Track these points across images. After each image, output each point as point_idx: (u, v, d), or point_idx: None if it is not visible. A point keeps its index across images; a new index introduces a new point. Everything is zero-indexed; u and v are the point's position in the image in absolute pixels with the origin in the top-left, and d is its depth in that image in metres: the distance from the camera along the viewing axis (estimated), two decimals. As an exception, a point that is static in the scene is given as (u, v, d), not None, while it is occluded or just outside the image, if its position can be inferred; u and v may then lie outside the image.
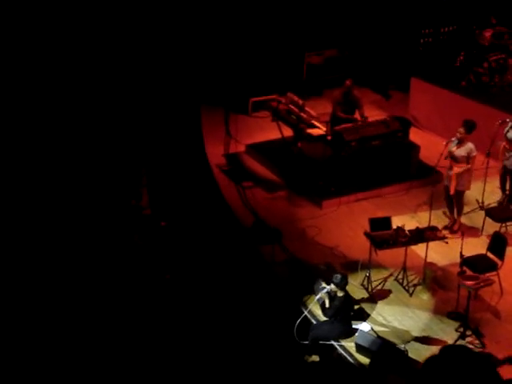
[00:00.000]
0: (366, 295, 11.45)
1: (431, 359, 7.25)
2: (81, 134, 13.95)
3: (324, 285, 10.43)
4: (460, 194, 12.61)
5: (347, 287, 10.65)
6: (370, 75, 17.00)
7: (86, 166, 13.49)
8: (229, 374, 9.94)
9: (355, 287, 11.48)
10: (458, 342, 10.47)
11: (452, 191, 12.48)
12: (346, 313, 10.52)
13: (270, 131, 14.88)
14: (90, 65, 14.29)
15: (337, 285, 10.31)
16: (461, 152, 12.31)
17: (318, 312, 10.78)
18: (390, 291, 11.56)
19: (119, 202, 12.88)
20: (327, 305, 10.42)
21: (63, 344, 10.30)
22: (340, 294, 10.37)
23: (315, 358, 10.38)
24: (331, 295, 10.40)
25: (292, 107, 14.39)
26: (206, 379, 9.90)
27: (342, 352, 10.40)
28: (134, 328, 10.60)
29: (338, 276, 10.39)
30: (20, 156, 12.54)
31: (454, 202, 12.73)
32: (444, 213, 13.03)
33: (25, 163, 12.58)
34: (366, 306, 11.23)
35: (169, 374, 9.98)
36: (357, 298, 11.31)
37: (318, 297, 10.44)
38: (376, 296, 11.43)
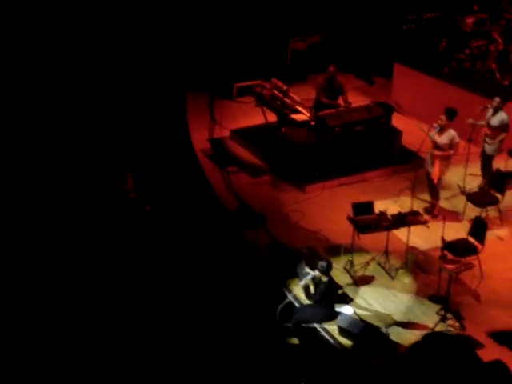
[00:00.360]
0: (348, 279, 11.56)
1: (414, 346, 7.39)
2: (64, 119, 13.95)
3: (309, 270, 10.53)
4: (438, 180, 12.75)
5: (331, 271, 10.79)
6: (353, 61, 17.05)
7: (70, 151, 13.50)
8: (211, 355, 10.00)
9: (338, 271, 11.56)
10: (439, 325, 10.63)
11: (435, 180, 12.62)
12: (330, 297, 10.64)
13: (255, 116, 14.91)
14: (74, 50, 14.27)
15: (322, 271, 10.40)
16: (443, 139, 12.42)
17: (302, 295, 10.87)
18: (372, 275, 11.67)
19: (104, 186, 12.86)
20: (312, 290, 10.51)
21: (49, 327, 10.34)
22: (324, 279, 10.48)
23: (297, 340, 10.46)
24: (316, 281, 10.51)
25: (276, 93, 14.44)
26: (190, 359, 9.96)
27: (325, 335, 10.51)
28: (121, 310, 10.62)
29: (323, 262, 10.48)
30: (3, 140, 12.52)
31: (435, 187, 12.86)
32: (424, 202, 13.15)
33: (8, 147, 12.56)
34: (348, 290, 11.35)
35: (153, 354, 10.03)
36: (340, 281, 11.40)
37: (302, 283, 10.53)
38: (358, 280, 11.54)
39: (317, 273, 10.42)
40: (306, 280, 10.46)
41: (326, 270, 10.45)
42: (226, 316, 10.62)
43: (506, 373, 7.70)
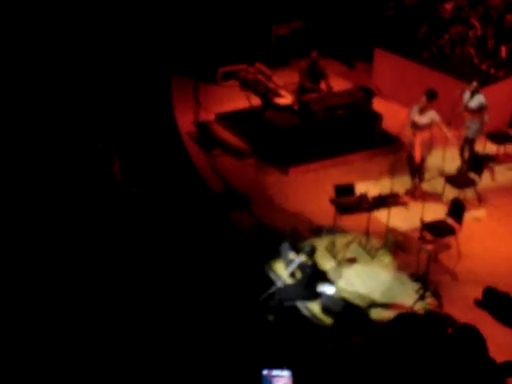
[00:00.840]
0: (330, 259, 11.72)
1: (386, 324, 7.54)
2: (51, 104, 13.94)
3: (294, 257, 10.74)
4: (422, 161, 12.89)
5: (313, 251, 11.07)
6: (335, 46, 17.08)
7: (57, 135, 13.53)
8: (193, 333, 10.14)
9: (320, 251, 11.69)
10: (418, 303, 10.83)
11: (418, 159, 12.77)
12: (314, 279, 10.88)
13: (239, 100, 14.92)
14: (60, 34, 14.26)
15: (307, 255, 10.65)
16: (424, 120, 12.57)
17: (284, 275, 11.05)
18: (353, 255, 11.84)
19: (91, 168, 12.90)
20: (298, 275, 10.76)
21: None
22: (309, 262, 10.72)
23: (273, 317, 10.62)
24: (301, 266, 10.75)
25: (260, 77, 14.49)
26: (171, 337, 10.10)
27: (307, 313, 10.70)
28: (108, 291, 10.75)
29: (308, 247, 10.73)
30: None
31: (417, 169, 13.03)
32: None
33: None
34: (330, 270, 11.49)
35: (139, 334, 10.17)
36: (322, 261, 11.56)
37: (289, 270, 10.78)
38: (340, 260, 11.72)
39: (302, 257, 10.64)
40: (293, 268, 10.70)
41: (311, 254, 10.69)
42: (211, 295, 10.74)
43: (476, 335, 7.92)
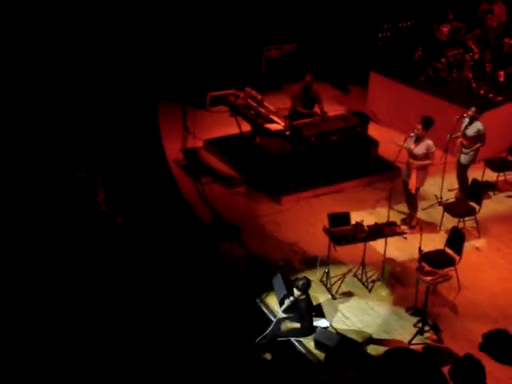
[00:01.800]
0: (325, 291, 11.49)
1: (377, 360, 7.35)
2: (35, 130, 13.87)
3: (289, 297, 10.48)
4: (416, 190, 12.69)
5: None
6: (328, 70, 17.06)
7: (40, 163, 13.41)
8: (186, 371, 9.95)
9: (314, 283, 11.47)
10: (417, 338, 10.58)
11: (413, 190, 12.54)
12: (309, 313, 10.58)
13: (229, 126, 14.80)
14: (46, 60, 14.21)
15: (300, 290, 10.42)
16: (420, 149, 12.38)
17: (276, 308, 10.83)
18: (349, 287, 11.61)
19: (75, 198, 12.72)
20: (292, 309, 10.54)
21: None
22: (302, 297, 10.47)
23: (270, 355, 10.37)
24: (295, 301, 10.49)
25: (250, 102, 14.38)
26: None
27: (301, 349, 10.43)
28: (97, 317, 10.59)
29: (302, 281, 10.48)
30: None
31: (410, 198, 12.80)
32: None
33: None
34: (324, 303, 11.28)
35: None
36: (316, 294, 11.35)
37: (283, 308, 10.53)
38: (335, 292, 11.47)
39: (296, 293, 10.42)
40: (287, 304, 10.47)
41: (305, 289, 10.46)
42: (201, 328, 10.52)
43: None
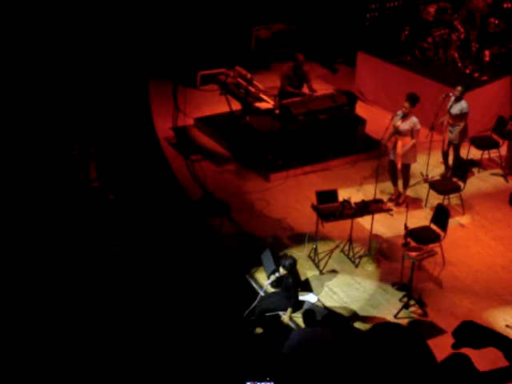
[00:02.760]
0: (312, 267, 11.59)
1: (362, 336, 7.42)
2: (28, 108, 13.78)
3: (276, 273, 10.48)
4: (406, 168, 12.77)
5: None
6: (317, 49, 16.99)
7: (33, 141, 13.35)
8: (174, 345, 9.97)
9: (302, 259, 11.61)
10: (402, 312, 10.72)
11: (399, 165, 12.65)
12: (295, 290, 10.64)
13: (219, 105, 14.79)
14: (39, 36, 14.09)
15: (287, 269, 10.34)
16: (405, 126, 12.45)
17: (265, 283, 10.89)
18: (336, 263, 11.71)
19: (68, 175, 12.73)
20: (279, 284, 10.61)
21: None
22: (289, 276, 10.44)
23: (260, 330, 10.46)
24: (281, 278, 10.51)
25: (240, 81, 14.34)
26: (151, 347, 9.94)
27: (290, 323, 10.53)
28: (85, 299, 10.56)
29: (288, 261, 10.42)
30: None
31: (400, 176, 12.89)
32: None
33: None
34: (312, 278, 11.38)
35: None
36: (304, 269, 11.44)
37: (269, 282, 10.58)
38: (322, 268, 11.58)
39: (282, 271, 10.37)
40: (273, 280, 10.51)
41: (291, 268, 10.42)
42: (190, 304, 10.55)
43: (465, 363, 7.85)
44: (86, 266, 11.09)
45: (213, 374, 9.46)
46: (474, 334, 4.58)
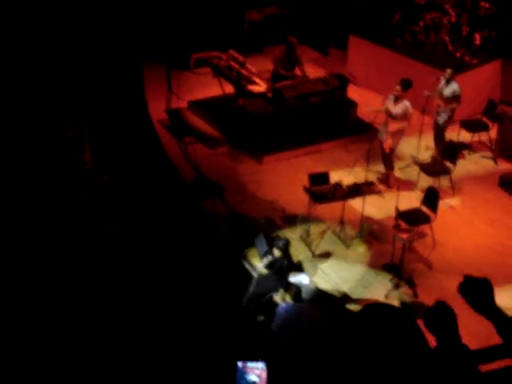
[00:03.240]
0: (304, 248, 11.69)
1: (355, 315, 7.54)
2: (21, 90, 13.76)
3: (267, 258, 10.48)
4: (392, 151, 12.88)
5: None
6: (309, 32, 16.99)
7: (27, 122, 13.34)
8: (166, 324, 10.02)
9: (294, 240, 11.67)
10: (392, 292, 10.84)
11: (387, 149, 12.75)
12: (288, 271, 10.64)
13: (212, 87, 14.80)
14: (32, 18, 14.06)
15: (280, 250, 10.38)
16: (397, 109, 12.54)
17: (259, 265, 10.89)
18: (328, 244, 11.81)
19: (62, 157, 12.76)
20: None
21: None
22: (282, 257, 10.47)
23: (261, 317, 10.47)
24: (274, 260, 10.53)
25: (233, 64, 14.36)
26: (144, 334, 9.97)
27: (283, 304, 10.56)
28: (78, 280, 10.60)
29: (280, 243, 10.44)
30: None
31: (386, 158, 13.00)
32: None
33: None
34: (304, 259, 11.46)
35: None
36: (296, 251, 11.50)
37: (263, 264, 10.56)
38: (314, 249, 11.69)
39: (276, 252, 10.40)
40: (266, 262, 10.48)
41: (284, 248, 10.45)
42: (184, 286, 10.61)
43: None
44: (79, 247, 11.10)
45: (205, 353, 9.51)
46: (481, 290, 4.67)
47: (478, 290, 4.68)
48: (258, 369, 8.59)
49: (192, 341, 9.74)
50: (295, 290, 9.78)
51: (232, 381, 8.43)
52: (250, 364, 8.58)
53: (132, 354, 9.54)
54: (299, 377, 8.99)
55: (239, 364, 8.57)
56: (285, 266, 10.51)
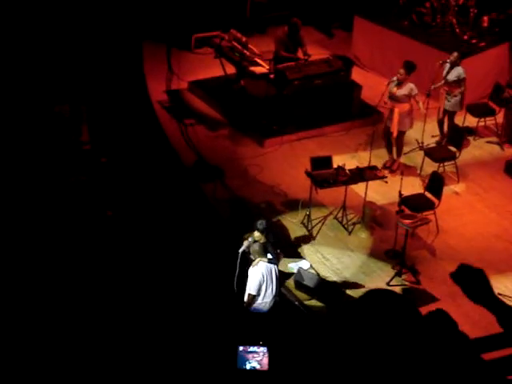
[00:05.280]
0: (305, 233, 11.58)
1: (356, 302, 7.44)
2: (18, 70, 13.68)
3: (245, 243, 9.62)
4: (400, 135, 12.72)
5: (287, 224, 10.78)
6: (313, 13, 16.85)
7: (25, 103, 13.27)
8: (167, 309, 9.96)
9: (295, 225, 11.62)
10: (395, 280, 10.72)
11: (394, 133, 12.59)
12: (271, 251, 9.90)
13: (213, 68, 14.68)
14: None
15: (260, 232, 9.54)
16: (402, 92, 12.40)
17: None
18: (329, 230, 11.69)
19: (59, 137, 12.64)
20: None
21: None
22: (262, 240, 9.58)
23: None
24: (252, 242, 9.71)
25: (235, 44, 14.22)
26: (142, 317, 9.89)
27: (282, 290, 10.44)
28: (76, 265, 10.51)
29: (260, 225, 9.50)
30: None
31: (395, 142, 12.83)
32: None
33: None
34: (305, 244, 11.38)
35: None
36: (297, 235, 11.44)
37: (241, 249, 9.62)
38: (315, 234, 11.57)
39: (256, 234, 9.55)
40: (245, 246, 9.58)
41: (264, 230, 9.56)
42: (183, 271, 10.53)
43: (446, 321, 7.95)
44: (77, 230, 11.03)
45: (205, 337, 9.44)
46: (477, 282, 4.58)
47: (472, 280, 4.63)
48: (259, 353, 8.59)
49: (192, 327, 9.66)
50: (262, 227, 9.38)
51: (233, 365, 8.46)
52: (251, 348, 8.57)
53: (132, 340, 9.47)
54: (301, 362, 8.94)
55: (240, 348, 8.56)
56: (268, 247, 9.62)
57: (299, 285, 10.54)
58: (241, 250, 9.56)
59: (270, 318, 9.74)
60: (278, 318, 9.83)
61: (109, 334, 9.55)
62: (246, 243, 9.50)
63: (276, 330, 9.48)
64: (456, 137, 12.97)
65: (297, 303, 10.40)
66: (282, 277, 10.56)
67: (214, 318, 9.77)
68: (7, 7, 13.93)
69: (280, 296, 10.26)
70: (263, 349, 8.63)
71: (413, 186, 12.09)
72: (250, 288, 9.35)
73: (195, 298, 10.11)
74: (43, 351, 9.38)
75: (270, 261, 9.40)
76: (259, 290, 9.34)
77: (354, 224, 11.77)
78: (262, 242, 9.47)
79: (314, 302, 10.42)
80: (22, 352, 9.36)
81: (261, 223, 9.46)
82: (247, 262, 9.70)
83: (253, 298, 9.40)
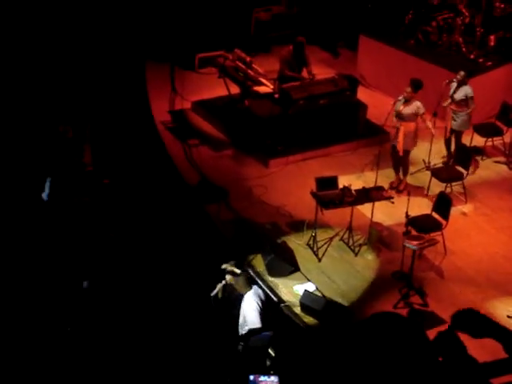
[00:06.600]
0: (311, 255, 11.48)
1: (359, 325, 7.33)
2: (23, 90, 13.75)
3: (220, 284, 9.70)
4: (406, 154, 12.66)
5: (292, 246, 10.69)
6: (318, 32, 16.88)
7: (28, 123, 13.29)
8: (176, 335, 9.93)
9: (301, 247, 11.53)
10: (402, 302, 10.60)
11: (401, 152, 12.50)
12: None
13: (217, 88, 14.66)
14: (35, 16, 14.06)
15: (232, 274, 9.57)
16: (408, 110, 12.33)
17: (265, 272, 10.90)
18: (335, 251, 11.60)
19: (60, 158, 12.61)
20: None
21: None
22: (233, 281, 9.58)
23: None
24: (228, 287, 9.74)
25: (239, 64, 14.22)
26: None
27: (288, 313, 10.42)
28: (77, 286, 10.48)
29: (232, 262, 9.64)
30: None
31: (401, 162, 12.76)
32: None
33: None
34: (311, 266, 11.28)
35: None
36: (302, 257, 11.34)
37: (213, 293, 9.72)
38: (321, 255, 11.46)
39: (228, 277, 9.55)
40: (218, 289, 9.65)
41: (233, 272, 9.56)
42: (186, 292, 10.50)
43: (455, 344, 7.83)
44: (79, 251, 11.02)
45: (217, 366, 9.37)
46: (473, 321, 4.49)
47: (470, 322, 4.54)
48: (271, 382, 8.52)
49: (202, 351, 9.63)
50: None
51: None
52: (262, 378, 8.51)
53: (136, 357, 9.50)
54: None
55: (251, 377, 8.50)
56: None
57: (305, 307, 10.41)
58: (213, 294, 9.70)
59: (279, 346, 9.64)
60: (287, 345, 9.77)
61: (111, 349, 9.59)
62: (218, 286, 9.64)
63: (286, 357, 9.42)
64: (464, 157, 12.86)
65: (303, 326, 10.27)
66: (289, 299, 10.61)
67: (224, 345, 9.68)
68: (13, 27, 13.99)
69: (286, 320, 10.22)
70: (274, 378, 8.58)
71: (420, 207, 11.97)
72: (254, 323, 9.24)
73: (200, 320, 10.03)
74: (43, 351, 9.44)
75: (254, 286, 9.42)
76: (261, 319, 9.23)
77: (360, 245, 11.66)
78: (241, 276, 9.59)
79: (319, 324, 10.28)
80: (22, 352, 9.42)
81: (226, 266, 9.63)
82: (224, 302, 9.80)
83: (260, 329, 9.29)
